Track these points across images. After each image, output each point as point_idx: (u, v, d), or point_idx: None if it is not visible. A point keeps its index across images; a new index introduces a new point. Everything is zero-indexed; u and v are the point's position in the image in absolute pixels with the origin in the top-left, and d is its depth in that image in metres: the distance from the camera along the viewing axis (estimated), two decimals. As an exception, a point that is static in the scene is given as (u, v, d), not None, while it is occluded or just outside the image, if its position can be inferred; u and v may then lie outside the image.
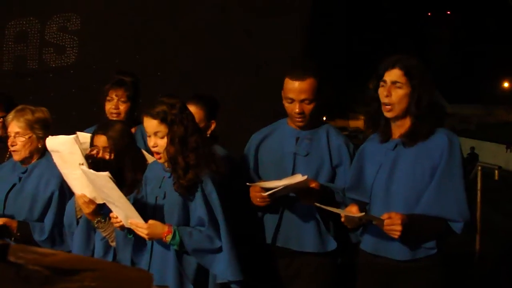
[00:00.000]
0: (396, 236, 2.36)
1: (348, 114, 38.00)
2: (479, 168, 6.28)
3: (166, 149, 2.59)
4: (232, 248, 2.59)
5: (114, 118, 3.33)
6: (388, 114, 2.55)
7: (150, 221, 2.58)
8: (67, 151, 2.73)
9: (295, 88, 2.78)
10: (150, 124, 2.62)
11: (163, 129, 2.59)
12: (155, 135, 2.61)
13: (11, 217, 2.95)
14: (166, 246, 2.62)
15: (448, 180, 2.43)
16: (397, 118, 2.55)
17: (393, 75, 2.51)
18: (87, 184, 2.71)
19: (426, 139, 2.50)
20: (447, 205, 2.41)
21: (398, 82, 2.50)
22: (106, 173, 2.52)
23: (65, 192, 2.98)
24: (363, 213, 2.36)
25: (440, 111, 2.62)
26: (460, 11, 44.89)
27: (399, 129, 2.58)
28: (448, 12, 47.06)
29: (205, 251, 2.58)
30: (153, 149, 2.65)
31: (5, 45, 4.70)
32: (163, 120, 2.58)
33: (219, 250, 2.58)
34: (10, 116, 3.03)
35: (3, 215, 2.95)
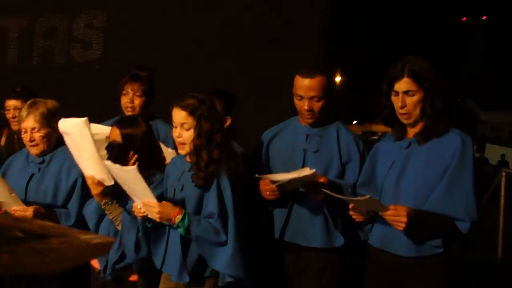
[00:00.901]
0: (400, 228, 2.37)
1: (377, 119, 37.67)
2: (504, 174, 6.18)
3: (193, 142, 2.66)
4: (238, 244, 2.62)
5: (129, 112, 3.40)
6: (406, 122, 2.57)
7: (162, 202, 2.65)
8: (78, 133, 2.80)
9: (305, 86, 2.82)
10: (179, 115, 2.69)
11: (190, 121, 2.66)
12: (181, 126, 2.68)
13: (37, 204, 3.02)
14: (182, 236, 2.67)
15: (457, 180, 2.43)
16: (415, 123, 2.57)
17: (403, 84, 2.51)
18: (96, 166, 2.79)
19: (440, 137, 2.51)
20: (454, 204, 2.41)
21: (410, 91, 2.51)
22: (134, 167, 2.60)
23: None
24: (368, 196, 2.37)
25: (455, 110, 2.62)
26: (496, 16, 44.16)
27: (413, 128, 2.59)
28: (484, 18, 46.34)
29: (209, 242, 2.62)
30: (177, 139, 2.72)
31: (35, 40, 4.86)
32: (191, 113, 2.66)
33: (224, 244, 2.62)
34: (24, 111, 3.08)
35: (25, 204, 3.01)
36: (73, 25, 4.80)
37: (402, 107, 2.52)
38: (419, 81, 2.49)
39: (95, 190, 2.85)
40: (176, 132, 2.71)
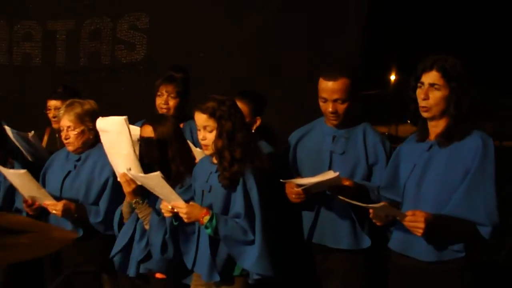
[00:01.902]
0: (419, 234, 2.35)
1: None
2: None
3: (214, 143, 2.72)
4: (265, 243, 2.65)
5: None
6: (424, 115, 2.54)
7: (190, 203, 2.72)
8: (116, 131, 2.88)
9: (328, 88, 2.83)
10: (200, 118, 2.76)
11: (211, 123, 2.72)
12: (204, 129, 2.75)
13: (69, 200, 3.16)
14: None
15: (478, 183, 2.38)
16: (433, 118, 2.53)
17: (431, 77, 2.49)
18: (130, 164, 2.87)
19: (461, 139, 2.47)
20: (475, 208, 2.37)
21: (436, 85, 2.48)
22: (158, 173, 2.68)
23: None
24: (384, 203, 2.36)
25: (479, 112, 2.57)
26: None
27: (435, 129, 2.56)
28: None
29: (237, 241, 2.67)
30: (202, 142, 2.79)
31: (81, 42, 5.04)
32: (211, 115, 2.72)
33: (251, 243, 2.66)
34: (61, 111, 3.23)
35: (60, 199, 3.15)
36: (117, 27, 4.95)
37: (424, 99, 2.49)
38: (447, 78, 2.46)
39: (127, 188, 2.92)
40: (200, 135, 2.78)
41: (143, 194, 2.93)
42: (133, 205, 2.97)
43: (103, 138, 2.98)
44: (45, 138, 4.10)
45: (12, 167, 3.30)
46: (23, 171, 3.04)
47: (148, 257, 2.96)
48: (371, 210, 2.50)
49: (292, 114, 4.18)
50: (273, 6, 4.56)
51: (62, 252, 3.18)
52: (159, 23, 4.86)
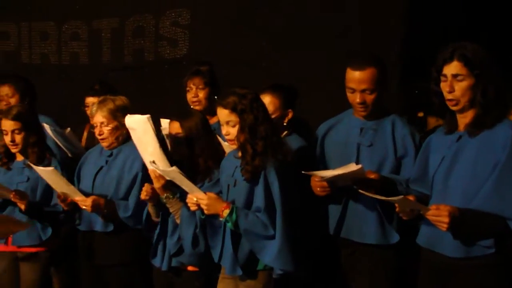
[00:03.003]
0: (443, 229, 2.25)
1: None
2: None
3: (237, 137, 2.71)
4: (286, 238, 2.62)
5: (196, 107, 3.53)
6: (454, 108, 2.43)
7: (210, 194, 2.72)
8: (141, 129, 2.94)
9: (355, 78, 2.75)
10: (222, 113, 2.75)
11: (233, 118, 2.71)
12: (227, 124, 2.75)
13: (99, 195, 3.23)
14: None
15: (508, 176, 2.25)
16: (463, 110, 2.42)
17: (453, 68, 2.37)
18: (158, 161, 2.90)
19: (491, 128, 2.35)
20: (505, 202, 2.24)
21: (459, 75, 2.36)
22: (174, 168, 2.73)
23: (148, 173, 3.19)
24: (402, 196, 2.27)
25: (507, 99, 2.43)
26: None
27: (464, 120, 2.45)
28: None
29: (257, 236, 2.65)
30: (226, 137, 2.80)
31: (125, 39, 5.14)
32: (233, 109, 2.71)
33: (272, 237, 2.63)
34: (94, 107, 3.30)
35: (91, 194, 3.23)
36: (159, 23, 5.01)
37: (449, 92, 2.37)
38: (470, 66, 2.34)
39: (157, 184, 2.95)
40: (224, 130, 2.77)
41: (173, 189, 2.95)
42: (164, 200, 2.99)
43: (133, 135, 3.04)
44: (85, 134, 4.21)
45: (49, 164, 3.40)
46: (50, 168, 3.14)
47: (180, 250, 2.99)
48: (396, 204, 2.42)
49: (327, 108, 4.09)
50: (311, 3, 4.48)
51: (96, 245, 3.27)
52: (200, 18, 4.88)
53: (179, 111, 3.21)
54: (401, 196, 2.26)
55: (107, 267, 3.26)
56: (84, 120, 4.24)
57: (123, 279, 3.24)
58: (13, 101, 4.01)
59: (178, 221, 2.98)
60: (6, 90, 4.04)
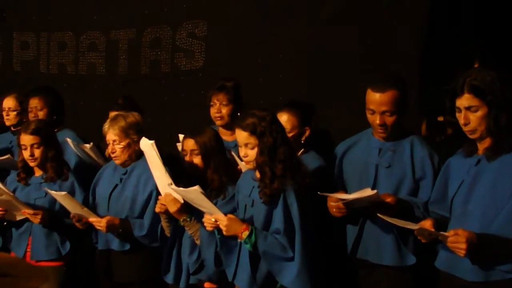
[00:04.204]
0: (461, 255, 2.25)
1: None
2: None
3: (256, 159, 2.71)
4: (305, 260, 2.62)
5: (219, 122, 3.54)
6: (472, 137, 2.44)
7: (230, 215, 2.72)
8: (148, 153, 2.97)
9: (376, 100, 2.75)
10: (241, 136, 2.75)
11: (252, 140, 2.71)
12: (245, 146, 2.74)
13: (114, 215, 3.24)
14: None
15: None
16: (481, 138, 2.42)
17: (465, 100, 2.38)
18: (166, 186, 2.91)
19: (510, 152, 2.35)
20: (523, 226, 2.23)
21: (473, 106, 2.37)
22: (196, 187, 2.71)
23: None
24: (418, 226, 2.26)
25: None
26: None
27: (483, 144, 2.44)
28: None
29: (276, 257, 2.65)
30: (244, 159, 2.79)
31: (142, 50, 5.15)
32: (252, 132, 2.71)
33: (291, 259, 2.63)
34: (106, 125, 3.28)
35: (107, 214, 3.25)
36: (176, 35, 5.01)
37: (465, 124, 2.38)
38: (481, 96, 2.34)
39: (173, 208, 2.95)
40: (241, 152, 2.77)
41: (189, 211, 2.95)
42: (182, 223, 2.99)
43: (147, 157, 3.04)
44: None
45: (67, 178, 3.43)
46: (63, 193, 3.16)
47: (199, 268, 3.00)
48: (416, 230, 2.41)
49: (345, 126, 4.05)
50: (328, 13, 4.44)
51: (113, 263, 3.29)
52: (216, 30, 4.87)
53: (192, 129, 3.20)
54: (418, 226, 2.26)
55: (125, 285, 3.27)
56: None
57: None
58: (41, 114, 4.06)
59: (197, 242, 2.98)
60: (36, 102, 4.08)
